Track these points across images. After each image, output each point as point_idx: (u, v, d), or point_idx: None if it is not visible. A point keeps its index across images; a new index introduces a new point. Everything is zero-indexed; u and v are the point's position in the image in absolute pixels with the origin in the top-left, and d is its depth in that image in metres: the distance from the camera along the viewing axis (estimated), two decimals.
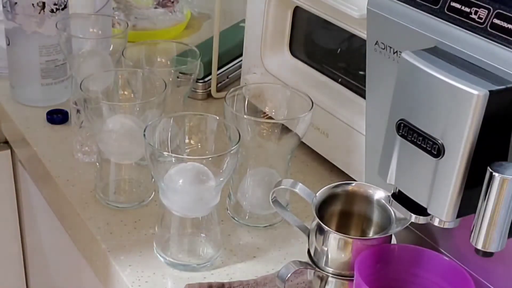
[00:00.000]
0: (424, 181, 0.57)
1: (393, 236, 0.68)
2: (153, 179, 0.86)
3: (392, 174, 0.60)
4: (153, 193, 0.87)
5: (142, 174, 0.87)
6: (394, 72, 0.59)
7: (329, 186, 0.70)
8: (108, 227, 0.83)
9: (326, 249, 0.67)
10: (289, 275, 0.67)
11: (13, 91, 1.09)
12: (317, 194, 0.69)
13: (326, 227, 0.66)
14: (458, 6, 0.56)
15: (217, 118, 0.78)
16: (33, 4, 0.99)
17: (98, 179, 0.87)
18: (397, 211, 0.64)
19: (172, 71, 0.92)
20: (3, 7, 1.02)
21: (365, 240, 0.66)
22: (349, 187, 0.71)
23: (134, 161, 0.86)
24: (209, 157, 0.74)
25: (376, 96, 0.69)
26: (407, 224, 0.65)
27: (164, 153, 0.74)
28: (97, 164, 0.86)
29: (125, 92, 0.91)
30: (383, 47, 0.64)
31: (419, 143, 0.56)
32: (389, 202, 0.63)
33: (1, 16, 1.04)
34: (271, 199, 0.73)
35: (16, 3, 0.99)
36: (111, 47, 0.97)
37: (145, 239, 0.81)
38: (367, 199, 0.70)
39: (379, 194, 0.69)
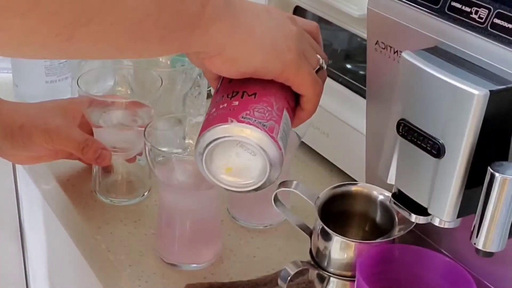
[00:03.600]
0: (425, 181, 0.57)
1: None
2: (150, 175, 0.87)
3: (392, 174, 0.60)
4: (150, 189, 0.88)
5: (138, 170, 0.88)
6: (395, 71, 0.59)
7: (331, 186, 0.70)
8: (108, 227, 0.83)
9: (328, 250, 0.67)
10: (291, 275, 0.67)
11: (16, 90, 1.08)
12: (319, 196, 0.69)
13: (330, 230, 0.66)
14: (458, 5, 0.56)
15: None
16: None
17: (96, 178, 0.87)
18: (397, 211, 0.63)
19: (172, 71, 0.92)
20: None
21: (368, 244, 0.66)
22: (352, 188, 0.71)
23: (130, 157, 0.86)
24: None
25: (376, 96, 0.68)
26: (411, 227, 0.65)
27: (165, 152, 0.73)
28: (95, 166, 0.87)
29: (128, 91, 0.91)
30: (384, 47, 0.64)
31: (420, 143, 0.56)
32: (389, 202, 0.63)
33: None
34: (273, 199, 0.73)
35: None
36: None
37: (145, 239, 0.81)
38: (370, 200, 0.70)
39: (382, 195, 0.69)
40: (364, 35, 0.68)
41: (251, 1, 0.62)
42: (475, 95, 0.52)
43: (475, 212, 0.54)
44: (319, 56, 0.64)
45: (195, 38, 0.55)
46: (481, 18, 0.55)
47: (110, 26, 0.48)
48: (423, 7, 0.59)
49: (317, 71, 0.63)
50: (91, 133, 0.84)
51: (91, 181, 0.88)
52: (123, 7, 0.48)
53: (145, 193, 0.87)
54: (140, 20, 0.50)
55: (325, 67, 0.65)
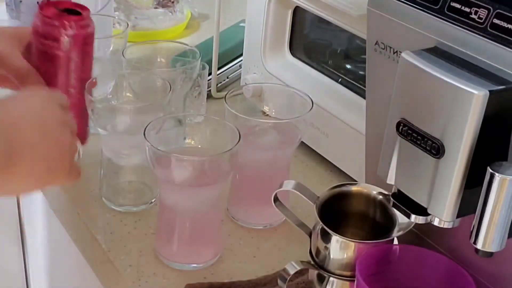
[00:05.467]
0: (424, 181, 0.57)
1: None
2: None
3: (392, 174, 0.60)
4: (158, 194, 0.87)
5: (146, 176, 0.87)
6: (394, 72, 0.59)
7: (331, 186, 0.70)
8: (108, 227, 0.83)
9: (328, 250, 0.67)
10: (291, 275, 0.67)
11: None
12: (319, 196, 0.69)
13: (330, 230, 0.66)
14: (458, 6, 0.56)
15: (217, 118, 0.78)
16: (38, 2, 0.99)
17: (103, 184, 0.87)
18: (397, 211, 0.63)
19: (173, 71, 0.92)
20: (7, 5, 1.02)
21: (368, 244, 0.66)
22: (352, 188, 0.71)
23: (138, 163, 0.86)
24: (209, 157, 0.74)
25: (376, 96, 0.69)
26: (411, 227, 0.65)
27: (165, 152, 0.73)
28: (101, 170, 0.86)
29: (128, 94, 0.91)
30: (383, 47, 0.64)
31: (419, 143, 0.56)
32: (389, 202, 0.63)
33: (5, 15, 1.04)
34: (273, 199, 0.73)
35: (21, 1, 0.99)
36: (111, 47, 0.97)
37: (145, 239, 0.81)
38: (370, 200, 0.70)
39: (382, 195, 0.69)
40: (364, 35, 0.68)
41: (27, 121, 0.64)
42: (475, 95, 0.52)
43: (475, 212, 0.54)
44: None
45: None
46: (481, 19, 0.55)
47: None
48: (423, 7, 0.59)
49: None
50: (37, 68, 0.81)
51: (94, 184, 0.88)
52: None
53: (153, 200, 0.87)
54: None
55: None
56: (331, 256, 0.67)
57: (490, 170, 0.52)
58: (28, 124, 0.64)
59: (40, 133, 0.64)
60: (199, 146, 0.79)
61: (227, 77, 1.14)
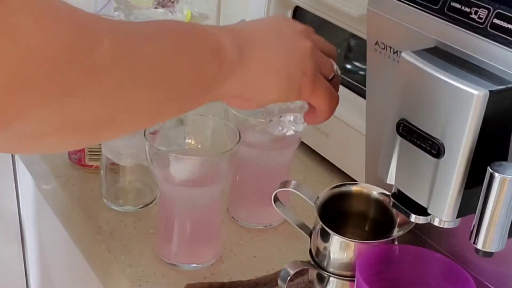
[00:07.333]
0: (424, 181, 0.57)
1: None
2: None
3: (392, 174, 0.60)
4: (158, 194, 0.87)
5: (146, 176, 0.87)
6: (394, 72, 0.59)
7: (331, 186, 0.70)
8: (108, 227, 0.83)
9: (328, 250, 0.67)
10: (291, 275, 0.67)
11: None
12: (319, 196, 0.69)
13: (330, 230, 0.66)
14: (458, 6, 0.56)
15: (217, 118, 0.78)
16: None
17: (103, 184, 0.87)
18: (397, 211, 0.63)
19: None
20: None
21: (368, 244, 0.66)
22: (352, 188, 0.71)
23: (139, 163, 0.86)
24: (209, 157, 0.74)
25: (376, 96, 0.68)
26: (411, 227, 0.65)
27: (163, 151, 0.73)
28: (101, 170, 0.86)
29: None
30: (383, 47, 0.64)
31: (419, 143, 0.56)
32: (389, 202, 0.63)
33: None
34: (273, 199, 0.73)
35: None
36: None
37: (145, 239, 0.81)
38: (370, 200, 0.70)
39: (382, 195, 0.69)
40: (364, 35, 0.68)
41: (260, 24, 0.62)
42: (475, 95, 0.52)
43: (475, 212, 0.54)
44: (333, 62, 0.64)
45: (209, 97, 0.57)
46: (481, 19, 0.55)
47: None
48: (423, 7, 0.59)
49: (332, 78, 0.64)
50: None
51: (94, 185, 0.88)
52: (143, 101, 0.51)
53: (153, 200, 0.87)
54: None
55: (340, 72, 0.65)
56: (331, 256, 0.67)
57: (490, 170, 0.52)
58: (262, 27, 0.61)
59: (275, 35, 0.60)
60: (199, 146, 0.79)
61: None
